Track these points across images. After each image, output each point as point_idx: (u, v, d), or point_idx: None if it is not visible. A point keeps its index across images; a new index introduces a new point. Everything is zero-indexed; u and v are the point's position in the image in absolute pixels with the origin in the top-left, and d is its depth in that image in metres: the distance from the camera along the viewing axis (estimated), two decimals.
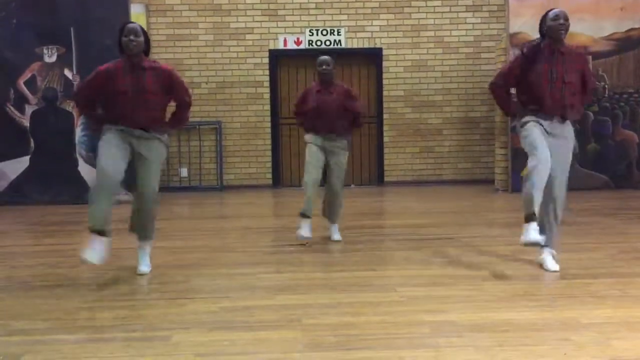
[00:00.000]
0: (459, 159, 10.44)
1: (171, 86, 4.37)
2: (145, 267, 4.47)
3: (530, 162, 4.24)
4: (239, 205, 8.72)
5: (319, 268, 4.72)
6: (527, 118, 4.42)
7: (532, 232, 4.13)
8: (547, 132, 4.36)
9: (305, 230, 5.38)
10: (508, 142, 9.11)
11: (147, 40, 4.35)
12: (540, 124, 4.35)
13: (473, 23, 10.36)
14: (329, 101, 5.41)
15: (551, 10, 4.42)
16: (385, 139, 10.39)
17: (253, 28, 10.20)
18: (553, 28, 4.32)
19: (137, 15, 9.70)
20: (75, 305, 3.69)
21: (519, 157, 9.08)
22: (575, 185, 9.06)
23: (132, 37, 4.21)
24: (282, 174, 10.38)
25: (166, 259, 4.95)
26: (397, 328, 3.20)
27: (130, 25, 4.31)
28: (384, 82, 10.33)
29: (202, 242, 5.83)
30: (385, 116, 10.37)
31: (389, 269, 4.62)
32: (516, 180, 8.99)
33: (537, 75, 4.34)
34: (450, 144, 10.44)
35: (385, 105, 10.35)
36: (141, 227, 4.49)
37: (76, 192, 8.62)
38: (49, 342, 3.06)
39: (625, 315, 3.34)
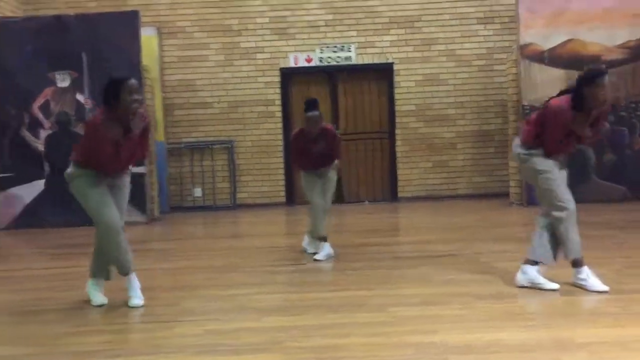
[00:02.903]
0: (474, 173, 10.30)
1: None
2: (138, 299, 4.20)
3: (561, 213, 4.13)
4: (250, 224, 8.71)
5: (315, 288, 4.65)
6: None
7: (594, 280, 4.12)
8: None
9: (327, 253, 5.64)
10: None
11: None
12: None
13: (485, 35, 10.26)
14: (321, 147, 5.68)
15: (598, 74, 4.01)
16: (398, 154, 10.31)
17: (263, 47, 10.24)
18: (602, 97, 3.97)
19: (149, 37, 9.83)
20: (63, 330, 3.69)
21: None
22: (592, 197, 8.94)
23: (135, 97, 3.98)
24: (296, 191, 10.34)
25: (163, 281, 4.94)
26: (380, 350, 3.12)
27: (134, 82, 4.01)
28: (396, 97, 10.27)
29: (206, 262, 5.81)
30: (397, 131, 10.29)
31: (385, 288, 4.51)
32: (531, 194, 8.83)
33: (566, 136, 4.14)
34: (465, 158, 10.31)
35: (397, 120, 10.28)
36: (119, 261, 4.26)
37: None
38: None
39: (622, 335, 3.21)
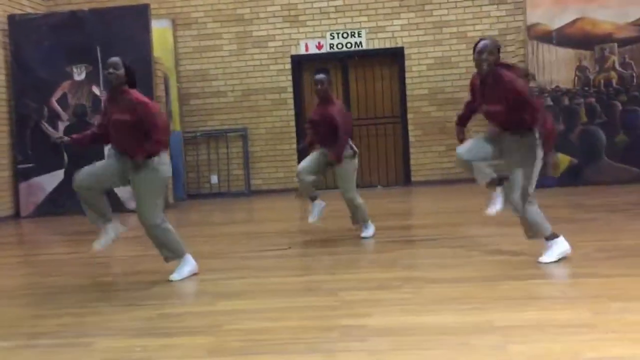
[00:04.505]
0: None
1: (141, 118, 4.41)
2: (176, 274, 4.60)
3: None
4: (257, 210, 8.92)
5: (283, 273, 4.81)
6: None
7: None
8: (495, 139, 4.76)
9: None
10: None
11: (131, 73, 4.46)
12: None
13: (497, 16, 10.14)
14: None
15: (480, 41, 4.51)
16: (411, 139, 10.34)
17: (275, 35, 10.40)
18: (475, 62, 4.50)
19: (164, 29, 10.12)
20: (33, 313, 3.97)
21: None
22: (602, 178, 8.77)
23: (110, 70, 4.39)
24: None
25: (145, 266, 5.19)
26: (307, 333, 3.26)
27: (111, 59, 4.45)
28: (407, 81, 10.28)
29: (196, 248, 5.99)
30: (409, 115, 10.31)
31: (349, 272, 4.63)
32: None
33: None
34: None
35: (409, 104, 10.30)
36: (158, 249, 4.67)
37: (108, 201, 9.09)
38: None
39: (545, 318, 3.25)
